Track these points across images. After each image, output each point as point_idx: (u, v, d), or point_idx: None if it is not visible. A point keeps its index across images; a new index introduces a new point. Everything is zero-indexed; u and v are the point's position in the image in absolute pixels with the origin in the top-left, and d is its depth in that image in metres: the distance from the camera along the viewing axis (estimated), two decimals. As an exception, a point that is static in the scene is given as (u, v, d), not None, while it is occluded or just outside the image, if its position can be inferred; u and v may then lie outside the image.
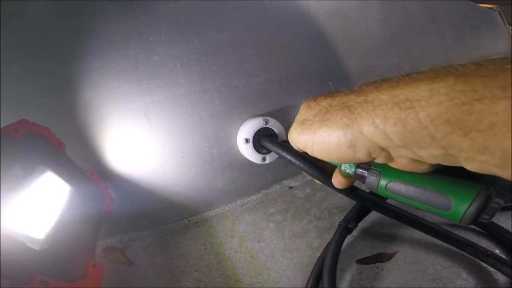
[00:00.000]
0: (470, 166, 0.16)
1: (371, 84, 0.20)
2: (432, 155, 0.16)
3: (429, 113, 0.15)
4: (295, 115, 0.25)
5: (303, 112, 0.24)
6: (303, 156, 0.37)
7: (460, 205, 0.18)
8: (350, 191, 0.35)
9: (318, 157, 0.23)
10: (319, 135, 0.21)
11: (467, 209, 0.18)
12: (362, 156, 0.20)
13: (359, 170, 0.24)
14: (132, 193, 0.44)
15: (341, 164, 0.26)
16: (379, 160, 0.21)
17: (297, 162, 0.36)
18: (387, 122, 0.17)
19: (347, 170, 0.25)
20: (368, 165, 0.24)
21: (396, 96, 0.17)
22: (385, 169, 0.22)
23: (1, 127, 0.29)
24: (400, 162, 0.20)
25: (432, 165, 0.19)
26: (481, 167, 0.15)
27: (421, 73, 0.17)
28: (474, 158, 0.15)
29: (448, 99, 0.14)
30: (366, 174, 0.23)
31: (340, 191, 0.35)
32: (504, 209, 0.39)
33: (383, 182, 0.22)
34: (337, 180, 0.27)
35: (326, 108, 0.21)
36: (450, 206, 0.19)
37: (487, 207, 0.18)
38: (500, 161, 0.13)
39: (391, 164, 0.21)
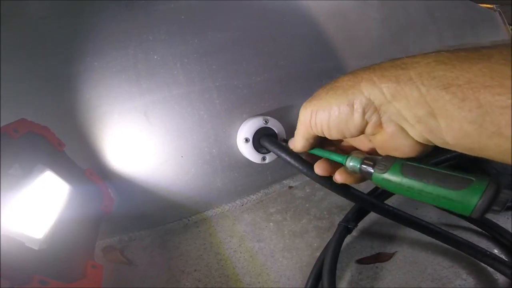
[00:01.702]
0: (450, 133, 0.17)
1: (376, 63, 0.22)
2: (416, 116, 0.19)
3: (419, 71, 0.18)
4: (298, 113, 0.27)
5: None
6: (301, 157, 0.37)
7: (470, 197, 0.18)
8: (348, 192, 0.35)
9: (318, 130, 0.25)
10: (324, 100, 0.23)
11: (478, 201, 0.18)
12: (357, 116, 0.21)
13: (364, 166, 0.24)
14: (132, 193, 0.44)
15: (346, 160, 0.26)
16: (369, 128, 0.22)
17: (296, 164, 0.36)
18: (383, 79, 0.20)
19: (353, 164, 0.25)
20: (372, 161, 0.24)
21: (395, 61, 0.20)
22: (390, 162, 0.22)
23: (1, 126, 0.29)
24: (387, 131, 0.21)
25: (418, 144, 0.21)
26: (460, 131, 0.17)
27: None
28: (453, 116, 0.17)
29: (434, 60, 0.18)
30: (372, 169, 0.23)
31: (339, 192, 0.35)
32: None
33: (389, 174, 0.22)
34: (342, 177, 0.27)
35: (335, 80, 0.24)
36: (465, 184, 0.18)
37: (498, 198, 0.18)
38: (476, 115, 0.16)
39: (379, 136, 0.22)
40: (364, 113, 0.21)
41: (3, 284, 0.24)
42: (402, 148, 0.22)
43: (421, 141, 0.20)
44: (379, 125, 0.21)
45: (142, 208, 0.46)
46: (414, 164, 0.21)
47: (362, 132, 0.23)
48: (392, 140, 0.22)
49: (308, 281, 0.37)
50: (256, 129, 0.43)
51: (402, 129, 0.21)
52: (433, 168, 0.20)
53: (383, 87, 0.20)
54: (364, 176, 0.25)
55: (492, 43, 0.17)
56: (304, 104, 0.26)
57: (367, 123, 0.22)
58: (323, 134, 0.25)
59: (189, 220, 0.47)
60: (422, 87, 0.18)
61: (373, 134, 0.23)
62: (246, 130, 0.43)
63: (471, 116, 0.16)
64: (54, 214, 0.31)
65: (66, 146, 0.37)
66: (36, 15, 0.40)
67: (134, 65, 0.40)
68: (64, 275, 0.28)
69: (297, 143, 0.30)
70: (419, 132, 0.19)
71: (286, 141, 0.36)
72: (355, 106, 0.21)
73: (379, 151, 0.25)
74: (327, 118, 0.23)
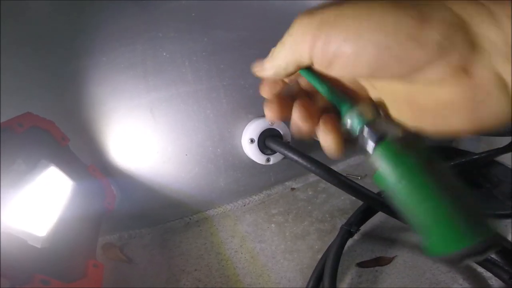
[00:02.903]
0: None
1: None
2: None
3: None
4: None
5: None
6: (310, 156, 0.37)
7: (470, 236, 0.14)
8: (357, 190, 0.35)
9: (322, 63, 0.16)
10: (363, 12, 0.13)
11: (460, 249, 0.14)
12: (431, 46, 0.12)
13: (367, 131, 0.16)
14: (134, 190, 0.43)
15: (347, 114, 0.17)
16: (438, 71, 0.13)
17: (304, 162, 0.37)
18: None
19: (352, 122, 0.17)
20: (379, 131, 0.16)
21: None
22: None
23: (6, 120, 0.28)
24: (476, 83, 0.12)
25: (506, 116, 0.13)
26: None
27: None
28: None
29: None
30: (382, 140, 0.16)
31: (348, 190, 0.35)
32: (503, 216, 0.40)
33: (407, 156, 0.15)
34: (328, 127, 0.18)
35: None
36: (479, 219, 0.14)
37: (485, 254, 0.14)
38: None
39: (443, 90, 0.13)
40: (444, 42, 0.12)
41: (3, 284, 0.23)
42: (481, 118, 0.13)
43: None
44: (461, 69, 0.12)
45: (144, 206, 0.45)
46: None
47: (412, 74, 0.13)
48: (472, 103, 0.13)
49: (309, 283, 0.37)
50: (262, 130, 0.43)
51: (504, 86, 0.12)
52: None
53: (495, 9, 0.11)
54: (358, 145, 0.17)
55: None
56: (308, 13, 0.16)
57: (438, 60, 0.12)
58: (323, 69, 0.16)
59: (190, 219, 0.47)
60: None
61: (435, 85, 0.13)
62: (251, 130, 0.43)
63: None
64: (57, 211, 0.31)
65: (70, 141, 0.36)
66: (44, 10, 0.39)
67: (142, 61, 0.39)
68: (65, 275, 0.28)
69: (272, 67, 0.18)
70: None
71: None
72: (429, 25, 0.12)
73: (407, 117, 0.16)
74: (363, 47, 0.13)
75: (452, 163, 0.46)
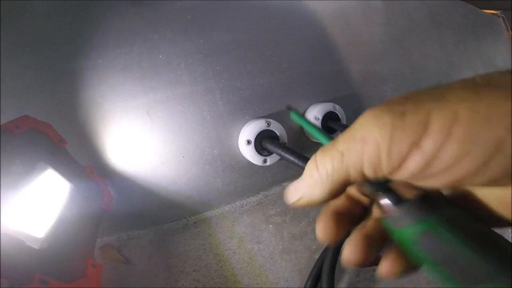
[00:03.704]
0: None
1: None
2: None
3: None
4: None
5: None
6: (307, 157, 0.37)
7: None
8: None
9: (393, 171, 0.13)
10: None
11: None
12: None
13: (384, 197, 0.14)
14: (131, 192, 0.44)
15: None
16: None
17: (301, 163, 0.37)
18: None
19: (368, 187, 0.14)
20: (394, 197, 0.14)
21: None
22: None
23: (3, 123, 0.29)
24: None
25: None
26: None
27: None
28: None
29: None
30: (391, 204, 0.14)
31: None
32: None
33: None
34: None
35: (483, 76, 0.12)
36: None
37: None
38: None
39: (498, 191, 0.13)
40: None
41: (3, 284, 0.23)
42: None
43: None
44: None
45: (142, 207, 0.45)
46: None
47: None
48: None
49: (306, 282, 0.37)
50: (258, 131, 0.43)
51: None
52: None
53: None
54: (378, 208, 0.14)
55: None
56: (377, 111, 0.12)
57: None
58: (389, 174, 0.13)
59: (188, 220, 0.47)
60: None
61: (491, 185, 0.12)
62: (248, 132, 0.43)
63: None
64: (55, 213, 0.31)
65: (67, 144, 0.36)
66: (41, 12, 0.39)
67: (138, 63, 0.40)
68: (64, 275, 0.28)
69: (317, 190, 0.14)
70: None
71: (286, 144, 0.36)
72: None
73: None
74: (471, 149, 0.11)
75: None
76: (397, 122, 0.12)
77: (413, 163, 0.12)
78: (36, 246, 0.27)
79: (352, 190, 0.16)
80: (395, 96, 0.13)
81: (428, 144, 0.11)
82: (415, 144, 0.12)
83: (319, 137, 0.19)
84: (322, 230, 0.15)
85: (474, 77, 0.12)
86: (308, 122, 0.19)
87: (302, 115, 0.16)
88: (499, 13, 1.10)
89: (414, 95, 0.13)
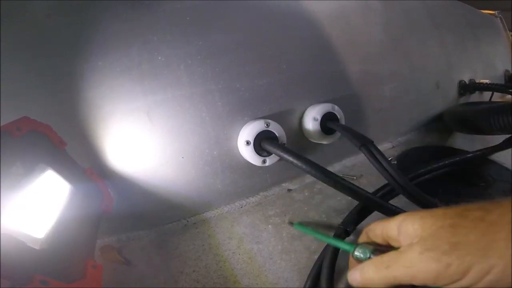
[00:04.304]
0: None
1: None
2: None
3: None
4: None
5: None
6: (306, 158, 0.37)
7: None
8: (353, 190, 0.36)
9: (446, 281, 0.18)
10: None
11: None
12: None
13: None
14: (131, 193, 0.44)
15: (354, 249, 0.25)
16: None
17: (300, 164, 0.37)
18: None
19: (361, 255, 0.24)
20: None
21: None
22: None
23: (3, 124, 0.29)
24: None
25: None
26: None
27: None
28: None
29: None
30: None
31: (344, 190, 0.35)
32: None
33: None
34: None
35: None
36: None
37: None
38: None
39: None
40: None
41: (3, 284, 0.24)
42: None
43: None
44: None
45: (141, 208, 0.46)
46: None
47: None
48: None
49: (306, 283, 0.37)
50: (257, 132, 0.43)
51: None
52: None
53: None
54: None
55: None
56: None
57: None
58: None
59: (188, 221, 0.48)
60: None
61: None
62: (247, 132, 0.43)
63: None
64: (55, 214, 0.31)
65: (67, 145, 0.37)
66: (40, 14, 0.40)
67: (138, 65, 0.40)
68: (64, 275, 0.28)
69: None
70: None
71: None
72: None
73: None
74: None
75: (447, 161, 0.46)
76: (442, 271, 0.17)
77: None
78: (36, 246, 0.28)
79: None
80: (443, 225, 0.18)
81: (461, 285, 0.17)
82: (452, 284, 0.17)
83: (332, 243, 0.26)
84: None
85: None
86: (317, 232, 0.27)
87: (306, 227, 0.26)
88: (496, 13, 1.11)
89: (461, 238, 0.17)
